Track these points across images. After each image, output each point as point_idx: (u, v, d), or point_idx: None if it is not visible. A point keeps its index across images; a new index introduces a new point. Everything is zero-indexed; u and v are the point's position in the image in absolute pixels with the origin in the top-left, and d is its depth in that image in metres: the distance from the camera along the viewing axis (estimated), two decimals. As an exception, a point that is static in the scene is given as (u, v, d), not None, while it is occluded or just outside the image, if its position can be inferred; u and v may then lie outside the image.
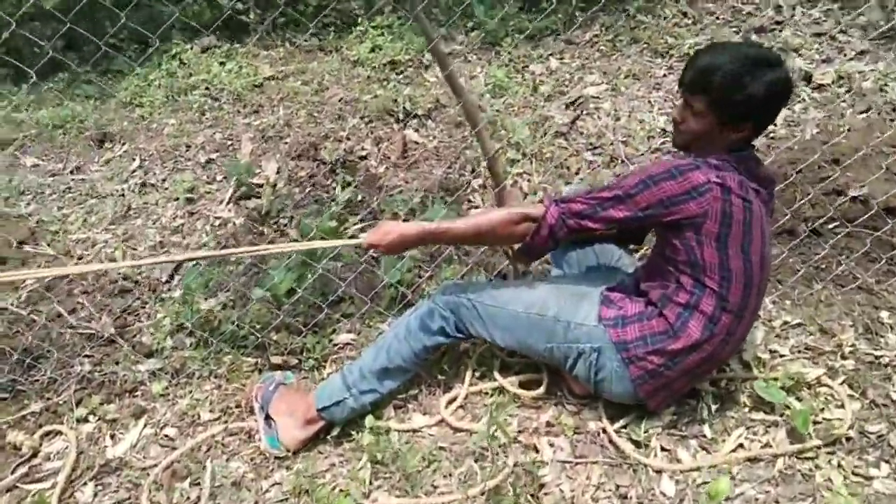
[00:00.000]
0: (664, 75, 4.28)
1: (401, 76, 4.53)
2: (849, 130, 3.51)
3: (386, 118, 3.99)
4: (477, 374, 2.45)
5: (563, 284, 2.30)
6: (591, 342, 2.12)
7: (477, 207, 3.29)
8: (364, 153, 3.75)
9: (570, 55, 4.60)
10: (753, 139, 2.07)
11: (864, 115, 3.75)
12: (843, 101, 3.87)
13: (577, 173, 3.41)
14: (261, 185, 3.48)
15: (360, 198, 3.44)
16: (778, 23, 4.70)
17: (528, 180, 3.41)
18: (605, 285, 2.27)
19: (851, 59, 4.24)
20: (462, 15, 5.06)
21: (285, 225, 3.26)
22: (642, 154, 3.55)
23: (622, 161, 3.50)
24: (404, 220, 3.02)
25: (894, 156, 3.14)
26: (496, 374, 2.42)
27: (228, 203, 3.41)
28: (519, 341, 2.22)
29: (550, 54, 4.61)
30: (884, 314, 2.62)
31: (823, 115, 3.72)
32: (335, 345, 2.60)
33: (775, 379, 2.35)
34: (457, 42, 4.89)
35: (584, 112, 3.95)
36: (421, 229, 2.15)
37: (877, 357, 2.47)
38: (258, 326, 2.54)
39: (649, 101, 4.05)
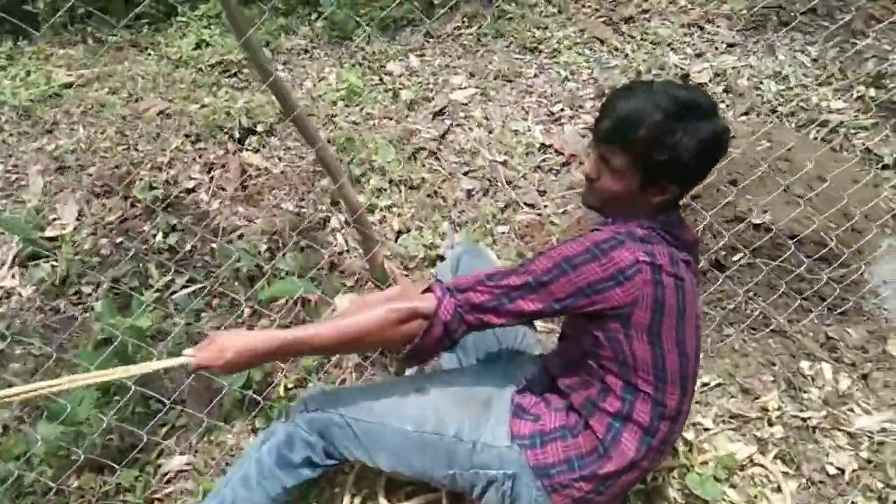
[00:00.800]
0: (535, 75, 3.87)
1: (234, 80, 3.79)
2: (733, 137, 3.26)
3: (218, 136, 3.28)
4: (357, 499, 1.92)
5: (461, 386, 1.81)
6: (504, 467, 1.68)
7: (343, 254, 2.72)
8: (191, 184, 3.05)
9: (431, 51, 4.07)
10: (680, 199, 1.66)
11: (746, 118, 3.55)
12: (724, 101, 3.64)
13: (454, 205, 2.92)
14: (55, 239, 2.70)
15: (188, 247, 2.76)
16: (645, 11, 4.42)
17: (399, 214, 2.88)
18: (512, 384, 1.81)
19: (723, 52, 4.04)
20: (304, 2, 4.37)
21: (90, 295, 2.52)
22: (523, 175, 3.11)
23: (502, 185, 3.04)
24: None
25: (789, 172, 2.92)
26: (381, 500, 1.90)
27: (11, 268, 2.60)
28: (412, 467, 1.73)
29: (410, 50, 4.05)
30: (804, 364, 2.36)
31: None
32: (164, 476, 1.96)
33: (705, 463, 2.02)
34: (299, 35, 4.20)
35: (454, 123, 3.46)
36: (272, 340, 1.58)
37: (804, 420, 2.20)
38: (50, 471, 1.85)
39: (522, 108, 3.63)
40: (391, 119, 3.46)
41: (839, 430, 2.16)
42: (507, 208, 2.92)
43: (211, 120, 3.30)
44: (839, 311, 2.52)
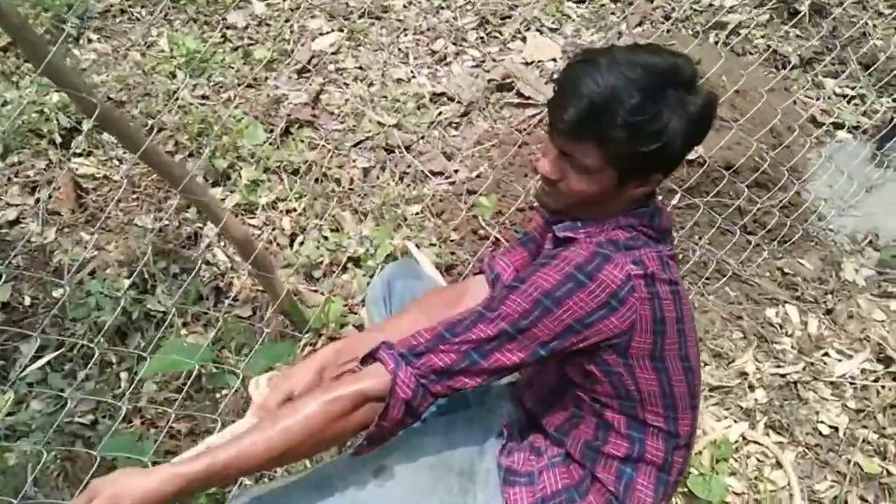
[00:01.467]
0: (404, 6, 3.36)
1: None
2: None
3: (34, 144, 2.58)
4: None
5: (431, 455, 1.43)
6: (505, 552, 1.35)
7: (227, 273, 2.21)
8: (12, 214, 2.39)
9: (276, -10, 3.43)
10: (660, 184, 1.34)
11: (640, 29, 3.25)
12: (614, 13, 3.32)
13: (351, 188, 2.45)
14: None
15: (27, 300, 2.16)
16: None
17: (287, 211, 2.38)
18: (491, 437, 1.46)
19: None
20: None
21: None
22: (422, 137, 2.67)
23: (400, 153, 2.59)
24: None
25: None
26: None
27: None
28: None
29: (250, -7, 3.39)
30: (769, 312, 2.18)
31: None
32: None
33: (699, 454, 1.81)
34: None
35: (325, 80, 2.92)
36: (182, 477, 1.13)
37: (783, 376, 2.03)
38: None
39: (400, 50, 3.13)
40: (249, 87, 2.87)
41: (821, 380, 2.01)
42: (415, 181, 2.49)
43: (20, 124, 2.59)
44: (788, 241, 2.35)
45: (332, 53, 3.09)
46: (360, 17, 3.27)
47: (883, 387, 1.95)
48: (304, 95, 2.84)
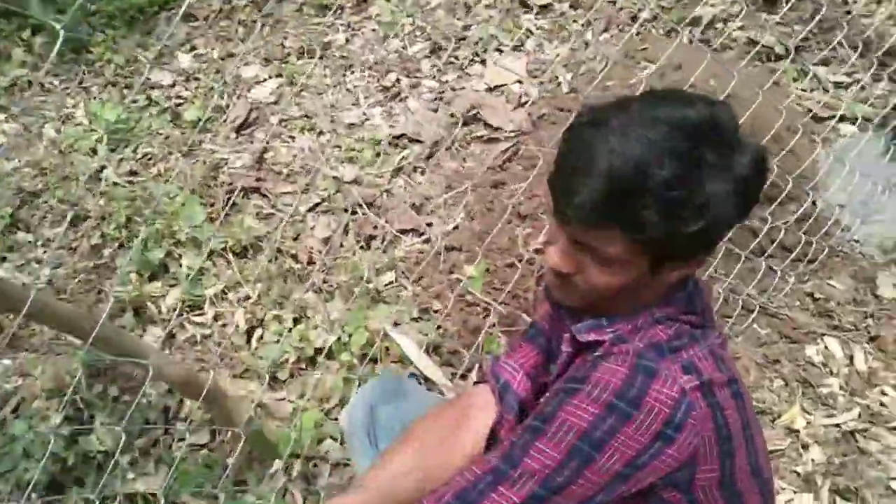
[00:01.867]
0: (346, 41, 3.04)
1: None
2: (606, 66, 2.69)
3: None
4: None
5: None
6: None
7: (181, 399, 1.86)
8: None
9: (202, 40, 3.09)
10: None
11: (608, 36, 2.97)
12: (576, 20, 3.03)
13: (309, 263, 2.11)
14: None
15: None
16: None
17: (239, 301, 2.04)
18: None
19: None
20: (4, 14, 3.15)
21: None
22: (386, 190, 2.35)
23: (363, 212, 2.26)
24: None
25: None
26: None
27: None
28: None
29: (175, 47, 3.04)
30: (809, 350, 1.89)
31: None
32: None
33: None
34: (14, 62, 3.03)
35: (268, 135, 2.59)
36: None
37: (838, 426, 1.74)
38: None
39: (348, 90, 2.81)
40: (181, 153, 2.52)
41: (881, 426, 1.73)
42: (384, 244, 2.16)
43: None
44: (813, 261, 2.07)
45: (273, 103, 2.75)
46: (298, 57, 2.94)
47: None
48: (247, 157, 2.51)
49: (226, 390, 1.57)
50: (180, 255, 2.14)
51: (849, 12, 2.84)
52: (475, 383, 1.27)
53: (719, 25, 2.86)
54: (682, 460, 0.90)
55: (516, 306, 1.98)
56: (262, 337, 1.95)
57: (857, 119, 2.39)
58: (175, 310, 2.02)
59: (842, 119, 2.44)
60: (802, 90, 2.60)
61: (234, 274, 2.08)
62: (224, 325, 1.99)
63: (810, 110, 2.53)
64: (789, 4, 2.61)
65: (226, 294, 2.06)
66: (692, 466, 0.92)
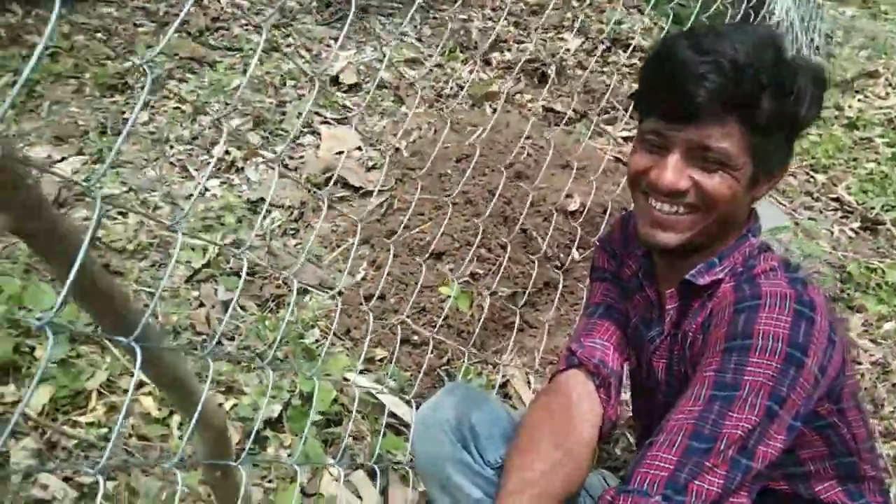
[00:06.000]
0: (150, 117, 2.72)
1: None
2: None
3: None
4: None
5: None
6: None
7: None
8: None
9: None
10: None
11: (422, 111, 3.12)
12: (383, 100, 3.14)
13: (222, 336, 1.76)
14: None
15: None
16: (222, 20, 3.56)
17: (151, 393, 1.61)
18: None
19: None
20: None
21: None
22: (270, 252, 2.09)
23: (275, 281, 1.98)
24: None
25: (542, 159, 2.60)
26: None
27: None
28: None
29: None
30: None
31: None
32: None
33: None
34: None
35: (98, 214, 2.16)
36: None
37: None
38: None
39: (172, 164, 2.50)
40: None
41: None
42: (295, 302, 1.91)
43: None
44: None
45: (85, 181, 2.32)
46: (100, 134, 2.55)
47: None
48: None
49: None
50: (33, 349, 1.63)
51: (607, 84, 3.41)
52: (556, 373, 1.18)
53: (517, 97, 3.21)
54: (840, 362, 0.97)
55: (461, 342, 1.89)
56: (182, 424, 1.55)
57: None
58: (46, 413, 1.52)
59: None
60: (605, 146, 3.02)
61: (117, 360, 1.65)
62: (125, 418, 1.54)
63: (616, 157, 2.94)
64: (559, 80, 3.07)
65: (113, 383, 1.62)
66: (843, 371, 0.98)
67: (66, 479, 1.47)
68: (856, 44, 4.56)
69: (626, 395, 1.28)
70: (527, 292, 2.01)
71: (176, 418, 1.57)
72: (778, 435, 0.87)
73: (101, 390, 1.59)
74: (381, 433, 1.49)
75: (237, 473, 1.08)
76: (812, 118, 0.98)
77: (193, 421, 0.85)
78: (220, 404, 1.59)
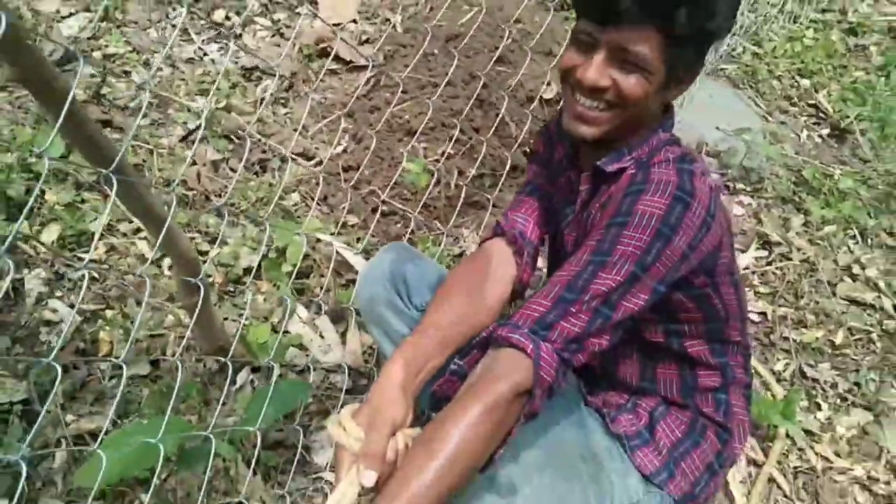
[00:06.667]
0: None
1: None
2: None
3: None
4: None
5: (551, 452, 1.21)
6: (649, 522, 1.24)
7: (95, 338, 1.63)
8: None
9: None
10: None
11: None
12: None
13: (206, 189, 1.95)
14: None
15: None
16: None
17: (145, 238, 1.82)
18: (578, 409, 1.31)
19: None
20: None
21: None
22: (259, 119, 2.25)
23: (261, 146, 2.15)
24: None
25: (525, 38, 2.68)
26: None
27: None
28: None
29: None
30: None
31: None
32: None
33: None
34: None
35: (99, 70, 2.31)
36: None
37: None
38: None
39: (173, 27, 2.60)
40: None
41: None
42: (279, 168, 2.10)
43: None
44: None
45: (90, 38, 2.45)
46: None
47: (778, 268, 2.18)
48: (79, 92, 2.21)
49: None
50: (43, 192, 1.84)
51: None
52: (483, 240, 1.38)
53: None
54: (714, 244, 1.13)
55: (427, 215, 2.08)
56: (172, 266, 1.78)
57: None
58: (54, 246, 1.75)
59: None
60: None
61: (118, 206, 1.86)
62: (123, 258, 1.78)
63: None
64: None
65: (113, 227, 1.84)
66: (718, 251, 1.15)
67: (71, 306, 1.72)
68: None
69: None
70: (497, 174, 2.18)
71: (167, 261, 1.80)
72: (641, 294, 1.06)
73: (103, 233, 1.81)
74: (345, 286, 1.72)
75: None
76: (724, 31, 1.10)
77: (159, 240, 1.05)
78: (206, 251, 1.81)
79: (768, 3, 3.31)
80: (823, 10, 3.50)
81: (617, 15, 1.02)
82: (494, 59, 2.20)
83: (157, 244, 1.08)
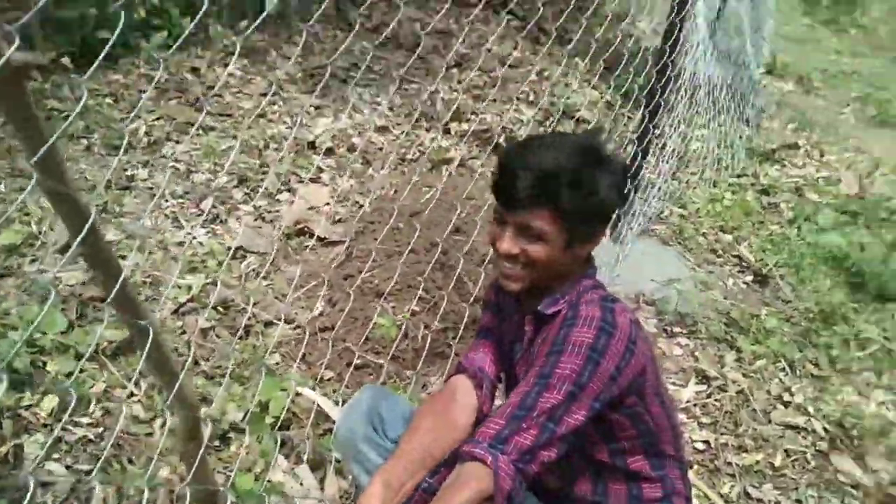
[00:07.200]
0: (149, 174, 3.17)
1: None
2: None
3: None
4: None
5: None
6: None
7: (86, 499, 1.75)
8: None
9: (-17, 175, 2.95)
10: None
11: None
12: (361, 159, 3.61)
13: (200, 357, 2.17)
14: None
15: None
16: (211, 87, 4.06)
17: (140, 402, 2.00)
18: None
19: (314, 116, 4.00)
20: None
21: None
22: (244, 291, 2.51)
23: (246, 314, 2.40)
24: None
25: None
26: None
27: None
28: None
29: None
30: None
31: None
32: None
33: None
34: None
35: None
36: None
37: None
38: None
39: (165, 215, 2.93)
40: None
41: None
42: (262, 332, 2.32)
43: None
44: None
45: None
46: (106, 188, 2.99)
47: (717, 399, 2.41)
48: (79, 274, 2.47)
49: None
50: (44, 363, 2.04)
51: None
52: (448, 377, 1.60)
53: (469, 163, 3.69)
54: (639, 368, 1.37)
55: (397, 365, 2.30)
56: (164, 424, 1.95)
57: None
58: (53, 414, 1.91)
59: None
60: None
61: (113, 374, 2.05)
62: (119, 419, 1.94)
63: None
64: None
65: (109, 392, 2.02)
66: (644, 375, 1.39)
67: (67, 468, 1.86)
68: (785, 117, 5.10)
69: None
70: (457, 327, 2.43)
71: (158, 421, 1.96)
72: (581, 410, 1.26)
73: (100, 398, 1.99)
74: (323, 435, 1.89)
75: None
76: (614, 203, 1.40)
77: (174, 391, 1.26)
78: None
79: (689, 171, 3.81)
80: (739, 175, 4.02)
81: (517, 201, 1.32)
82: (451, 229, 2.53)
83: (171, 397, 1.27)
